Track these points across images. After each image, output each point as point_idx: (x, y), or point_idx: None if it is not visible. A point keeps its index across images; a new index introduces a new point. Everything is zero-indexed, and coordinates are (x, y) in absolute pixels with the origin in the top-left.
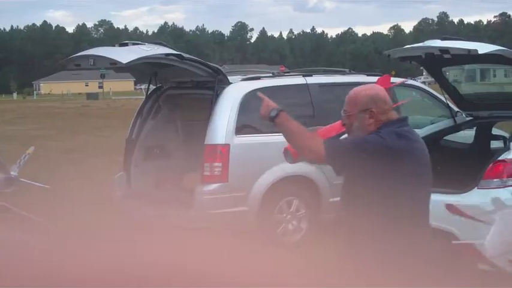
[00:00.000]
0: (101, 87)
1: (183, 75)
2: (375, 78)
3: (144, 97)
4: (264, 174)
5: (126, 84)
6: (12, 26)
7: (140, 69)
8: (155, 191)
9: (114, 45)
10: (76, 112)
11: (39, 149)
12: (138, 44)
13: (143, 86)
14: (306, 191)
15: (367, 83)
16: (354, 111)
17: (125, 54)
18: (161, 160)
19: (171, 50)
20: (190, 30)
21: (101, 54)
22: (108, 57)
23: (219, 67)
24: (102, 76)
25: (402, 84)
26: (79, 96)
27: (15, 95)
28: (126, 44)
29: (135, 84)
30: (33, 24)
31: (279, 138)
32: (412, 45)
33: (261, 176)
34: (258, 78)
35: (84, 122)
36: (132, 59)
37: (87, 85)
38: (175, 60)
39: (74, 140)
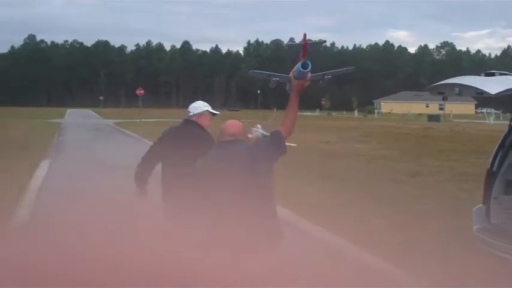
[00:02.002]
0: (441, 109)
1: None
2: None
3: (488, 122)
4: None
5: (467, 107)
6: (355, 45)
7: (503, 99)
8: None
9: (479, 75)
10: (419, 134)
11: (382, 169)
12: (505, 74)
13: (485, 110)
14: None
15: None
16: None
17: (492, 85)
18: None
19: None
20: None
21: (467, 84)
22: (475, 87)
23: None
24: (444, 98)
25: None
26: (419, 117)
27: (356, 112)
28: (492, 74)
29: (476, 107)
30: (376, 44)
31: None
32: None
33: None
34: None
35: (427, 144)
36: (500, 90)
37: (428, 106)
38: None
39: (419, 163)
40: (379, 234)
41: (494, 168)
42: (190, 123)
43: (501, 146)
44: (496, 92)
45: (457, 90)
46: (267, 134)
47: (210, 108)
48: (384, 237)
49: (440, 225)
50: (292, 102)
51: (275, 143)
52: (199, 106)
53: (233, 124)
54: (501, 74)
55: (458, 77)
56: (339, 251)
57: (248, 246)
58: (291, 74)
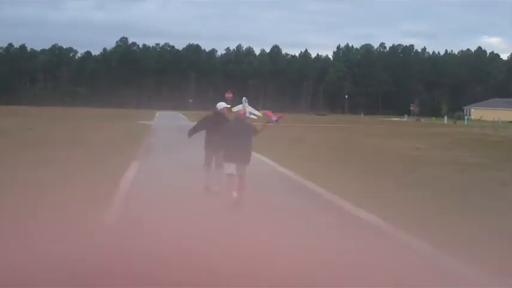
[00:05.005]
0: None
1: None
2: None
3: None
4: None
5: None
6: (446, 51)
7: None
8: None
9: None
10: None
11: (474, 177)
12: None
13: None
14: None
15: None
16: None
17: None
18: None
19: None
20: None
21: None
22: None
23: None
24: None
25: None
26: (510, 125)
27: (445, 118)
28: None
29: None
30: (468, 50)
31: None
32: None
33: None
34: None
35: None
36: None
37: None
38: None
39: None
40: (472, 245)
41: None
42: (218, 112)
43: None
44: None
45: None
46: (252, 109)
47: (226, 105)
48: (478, 247)
49: None
50: (263, 128)
51: (254, 130)
52: (221, 105)
53: (241, 112)
54: None
55: None
56: (432, 262)
57: (243, 158)
58: (269, 117)
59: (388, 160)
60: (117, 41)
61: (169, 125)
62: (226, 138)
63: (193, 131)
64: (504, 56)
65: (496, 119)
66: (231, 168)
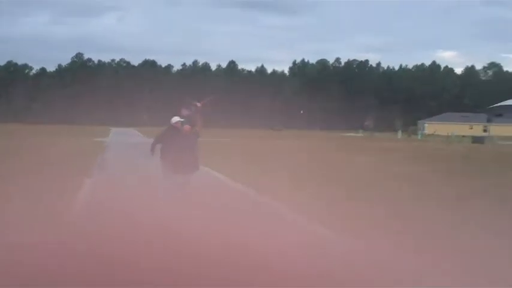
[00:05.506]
0: (485, 130)
1: None
2: None
3: None
4: None
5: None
6: (401, 65)
7: None
8: None
9: None
10: (464, 155)
11: (426, 191)
12: None
13: None
14: None
15: None
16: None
17: None
18: None
19: None
20: None
21: None
22: None
23: None
24: (489, 120)
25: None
26: (463, 139)
27: (399, 133)
28: None
29: None
30: (422, 64)
31: None
32: None
33: None
34: None
35: (473, 165)
36: None
37: (472, 128)
38: None
39: (465, 185)
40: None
41: None
42: (172, 126)
43: None
44: None
45: None
46: (182, 120)
47: (179, 119)
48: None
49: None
50: (200, 126)
51: (197, 134)
52: (174, 119)
53: (186, 128)
54: None
55: None
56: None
57: (191, 167)
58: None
59: (339, 174)
60: (72, 57)
61: (125, 142)
62: (174, 151)
63: (153, 147)
64: (458, 71)
65: (449, 133)
66: (178, 178)
